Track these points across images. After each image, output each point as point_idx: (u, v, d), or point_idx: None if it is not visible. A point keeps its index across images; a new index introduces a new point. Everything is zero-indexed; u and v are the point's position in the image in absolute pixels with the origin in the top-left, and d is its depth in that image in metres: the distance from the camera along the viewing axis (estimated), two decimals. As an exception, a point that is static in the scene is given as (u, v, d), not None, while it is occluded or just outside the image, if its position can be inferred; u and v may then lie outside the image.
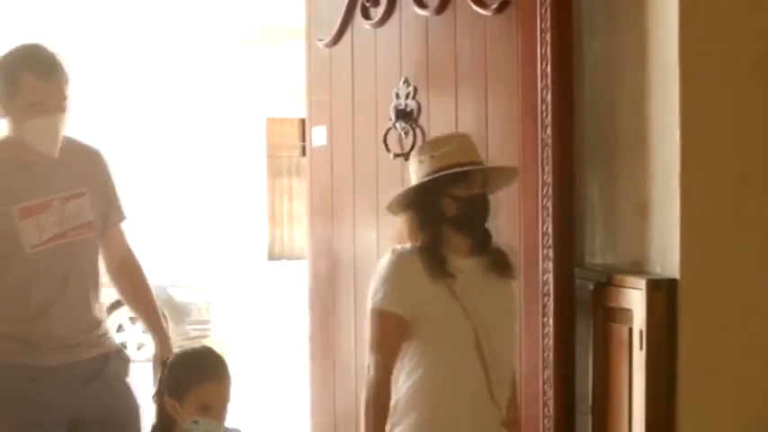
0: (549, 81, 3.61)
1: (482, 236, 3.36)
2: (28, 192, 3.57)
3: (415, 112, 4.28)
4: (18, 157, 3.60)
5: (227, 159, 14.36)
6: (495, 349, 3.31)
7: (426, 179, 3.30)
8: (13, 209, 3.54)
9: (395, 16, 4.38)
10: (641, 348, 3.27)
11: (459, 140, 3.40)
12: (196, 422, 3.22)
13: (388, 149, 4.37)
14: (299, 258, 13.78)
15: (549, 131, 3.62)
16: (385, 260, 3.33)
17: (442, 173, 3.27)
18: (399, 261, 3.30)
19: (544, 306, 3.62)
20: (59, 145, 3.62)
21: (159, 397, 3.34)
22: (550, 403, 3.60)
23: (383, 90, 4.46)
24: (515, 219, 3.77)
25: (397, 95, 4.36)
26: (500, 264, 3.39)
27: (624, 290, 3.37)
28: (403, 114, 4.32)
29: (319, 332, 5.10)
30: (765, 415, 3.31)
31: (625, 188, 3.58)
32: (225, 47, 13.72)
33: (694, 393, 3.25)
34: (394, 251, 3.33)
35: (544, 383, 3.62)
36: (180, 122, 14.11)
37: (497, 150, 3.87)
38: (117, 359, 3.78)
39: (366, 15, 4.53)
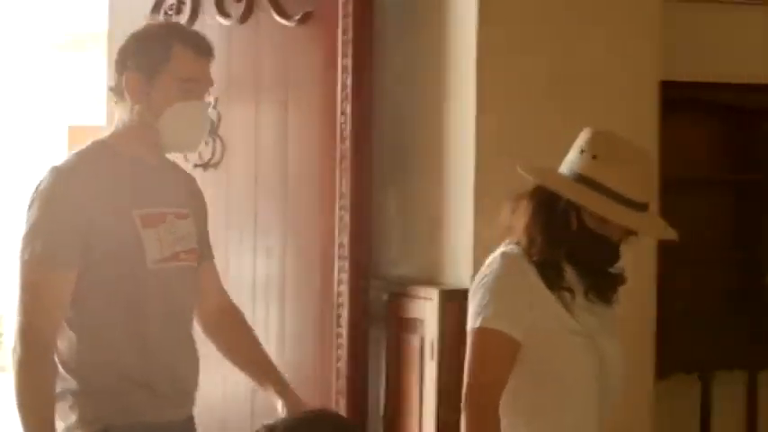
0: (349, 92, 3.64)
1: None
2: (145, 198, 2.87)
3: (215, 122, 4.24)
4: (135, 155, 2.88)
5: (27, 168, 13.98)
6: (608, 375, 2.62)
7: (567, 194, 2.53)
8: (134, 213, 2.82)
9: (197, 25, 4.33)
10: (432, 358, 3.32)
11: (642, 164, 2.58)
12: None
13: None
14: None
15: (347, 143, 3.64)
16: (495, 265, 2.58)
17: (588, 199, 2.51)
18: (514, 268, 2.56)
19: (338, 317, 3.64)
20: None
21: None
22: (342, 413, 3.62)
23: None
24: (312, 229, 3.79)
25: (198, 104, 4.31)
26: (597, 285, 2.62)
27: (418, 300, 3.42)
28: (203, 123, 4.28)
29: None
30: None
31: (422, 201, 3.63)
32: (27, 52, 13.37)
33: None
34: (505, 255, 2.59)
35: (337, 393, 3.64)
36: (-23, 129, 13.67)
37: (297, 161, 3.88)
38: None
39: (169, 22, 4.48)
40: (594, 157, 2.51)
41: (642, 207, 2.51)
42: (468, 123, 3.40)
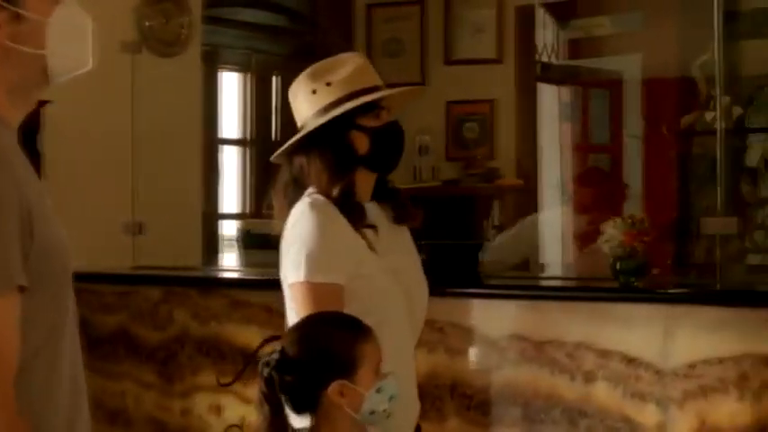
0: None
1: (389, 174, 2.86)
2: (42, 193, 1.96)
3: None
4: (8, 118, 1.95)
5: None
6: (415, 304, 2.81)
7: (334, 113, 2.70)
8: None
9: None
10: None
11: (356, 61, 2.81)
12: None
13: None
14: None
15: None
16: (305, 216, 2.66)
17: (353, 102, 2.70)
18: (326, 217, 2.66)
19: None
20: None
21: None
22: None
23: None
24: None
25: None
26: (401, 208, 2.85)
27: None
28: None
29: None
30: None
31: None
32: None
33: None
34: (314, 205, 2.67)
35: None
36: None
37: None
38: None
39: None
40: (328, 84, 2.72)
41: (380, 88, 2.76)
42: None
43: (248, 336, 4.32)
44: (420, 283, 2.85)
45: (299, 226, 2.66)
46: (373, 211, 2.76)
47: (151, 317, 4.62)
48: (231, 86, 6.75)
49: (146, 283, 4.76)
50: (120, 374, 4.72)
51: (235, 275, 5.48)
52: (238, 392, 4.31)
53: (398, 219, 2.82)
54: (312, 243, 2.62)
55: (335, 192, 2.69)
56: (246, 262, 5.57)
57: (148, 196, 5.11)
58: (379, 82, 2.78)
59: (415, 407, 2.81)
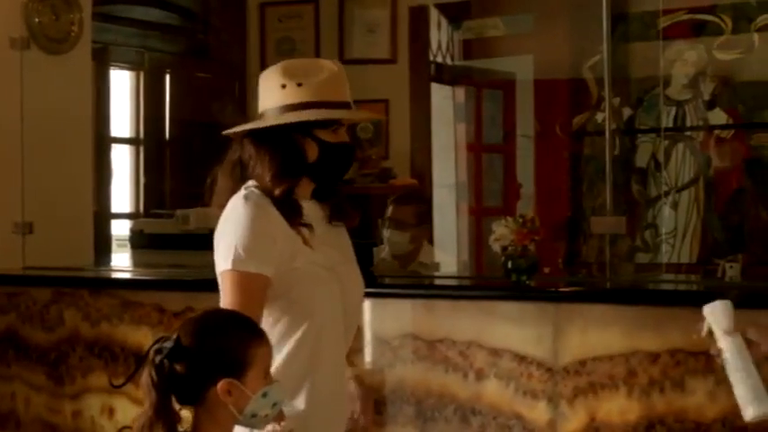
0: None
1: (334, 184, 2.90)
2: None
3: None
4: None
5: None
6: (350, 301, 2.83)
7: (292, 118, 2.72)
8: None
9: None
10: None
11: (332, 70, 2.80)
12: None
13: None
14: None
15: None
16: (240, 208, 2.69)
17: (314, 114, 2.72)
18: (259, 210, 2.69)
19: None
20: None
21: None
22: None
23: None
24: None
25: None
26: (339, 208, 2.88)
27: None
28: None
29: None
30: None
31: None
32: None
33: None
34: (248, 197, 2.70)
35: None
36: None
37: None
38: None
39: None
40: (300, 84, 2.73)
41: (348, 105, 2.79)
42: None
43: (140, 336, 4.30)
44: (355, 281, 2.87)
45: (232, 217, 2.70)
46: (311, 210, 2.78)
47: (41, 318, 4.56)
48: (123, 84, 6.67)
49: (35, 283, 4.70)
50: (9, 377, 4.66)
51: (126, 276, 5.42)
52: (131, 394, 4.27)
53: (335, 218, 2.85)
54: (242, 233, 2.66)
55: (277, 192, 2.72)
56: (138, 262, 5.51)
57: (38, 195, 5.04)
58: (347, 98, 2.80)
59: (344, 405, 2.83)
